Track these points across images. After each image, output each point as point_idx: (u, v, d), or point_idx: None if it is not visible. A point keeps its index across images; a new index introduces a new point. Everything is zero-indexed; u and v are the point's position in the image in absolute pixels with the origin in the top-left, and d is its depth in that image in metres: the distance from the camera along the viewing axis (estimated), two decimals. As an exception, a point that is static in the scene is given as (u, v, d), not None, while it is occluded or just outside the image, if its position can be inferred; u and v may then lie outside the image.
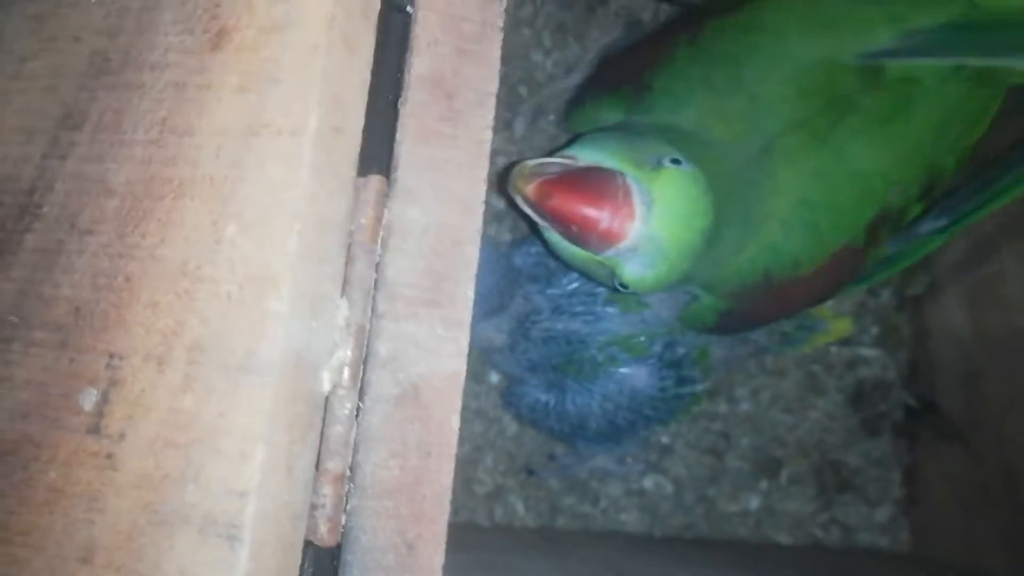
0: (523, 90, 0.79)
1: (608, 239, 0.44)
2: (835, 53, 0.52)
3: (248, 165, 0.25)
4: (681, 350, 0.69)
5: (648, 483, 0.81)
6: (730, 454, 0.83)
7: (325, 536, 0.26)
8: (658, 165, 0.45)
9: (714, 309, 0.58)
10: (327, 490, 0.26)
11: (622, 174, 0.44)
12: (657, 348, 0.67)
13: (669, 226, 0.45)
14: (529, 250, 0.66)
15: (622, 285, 0.48)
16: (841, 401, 0.86)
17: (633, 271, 0.47)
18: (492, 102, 0.30)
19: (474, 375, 0.77)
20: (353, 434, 0.27)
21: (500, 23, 0.31)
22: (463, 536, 0.69)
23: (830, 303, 0.83)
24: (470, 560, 0.59)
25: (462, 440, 0.77)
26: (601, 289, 0.66)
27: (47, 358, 0.26)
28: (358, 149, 0.28)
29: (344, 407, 0.27)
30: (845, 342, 0.85)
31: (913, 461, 0.85)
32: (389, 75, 0.30)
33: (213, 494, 0.23)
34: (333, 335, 0.27)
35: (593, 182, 0.44)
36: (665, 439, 0.82)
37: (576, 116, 0.59)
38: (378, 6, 0.28)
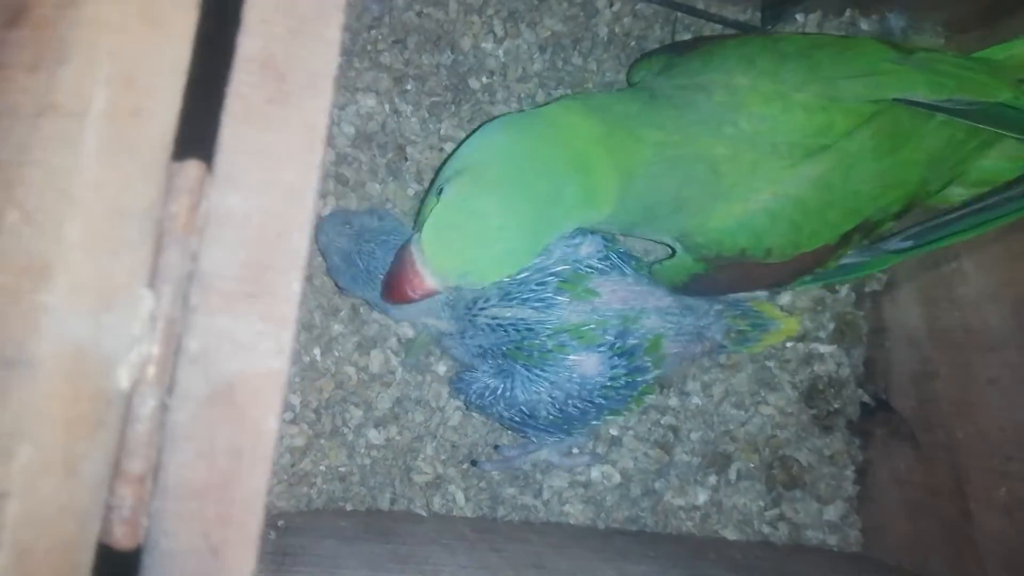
0: (474, 82, 0.77)
1: (426, 293, 0.59)
2: (876, 92, 0.58)
3: (33, 148, 0.24)
4: (633, 340, 0.67)
5: (595, 474, 0.79)
6: (679, 448, 0.82)
7: (121, 538, 0.25)
8: (422, 227, 0.58)
9: (688, 270, 0.65)
10: (125, 491, 0.25)
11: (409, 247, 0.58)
12: (609, 337, 0.66)
13: (445, 259, 0.57)
14: None
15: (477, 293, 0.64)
16: (794, 397, 0.84)
17: (468, 291, 0.64)
18: (329, 85, 0.29)
19: (416, 365, 0.76)
20: (157, 434, 0.26)
21: (341, 3, 0.29)
22: (388, 526, 0.68)
23: (786, 297, 0.82)
24: (385, 551, 0.58)
25: (402, 428, 0.77)
26: (551, 277, 0.65)
27: None
28: (169, 133, 0.26)
29: (146, 404, 0.26)
30: (801, 338, 0.83)
31: (866, 459, 0.84)
32: (220, 57, 0.28)
33: (-27, 494, 0.22)
34: (132, 329, 0.26)
35: (393, 269, 0.61)
36: (614, 431, 0.81)
37: (633, 67, 0.71)
38: (199, -19, 0.27)
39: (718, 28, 0.80)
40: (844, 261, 0.66)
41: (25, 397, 0.22)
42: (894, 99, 0.58)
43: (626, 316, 0.67)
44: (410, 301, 0.60)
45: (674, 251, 0.65)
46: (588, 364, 0.66)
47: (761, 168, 0.58)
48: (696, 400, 0.82)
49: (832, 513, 0.83)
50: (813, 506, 0.83)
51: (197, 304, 0.27)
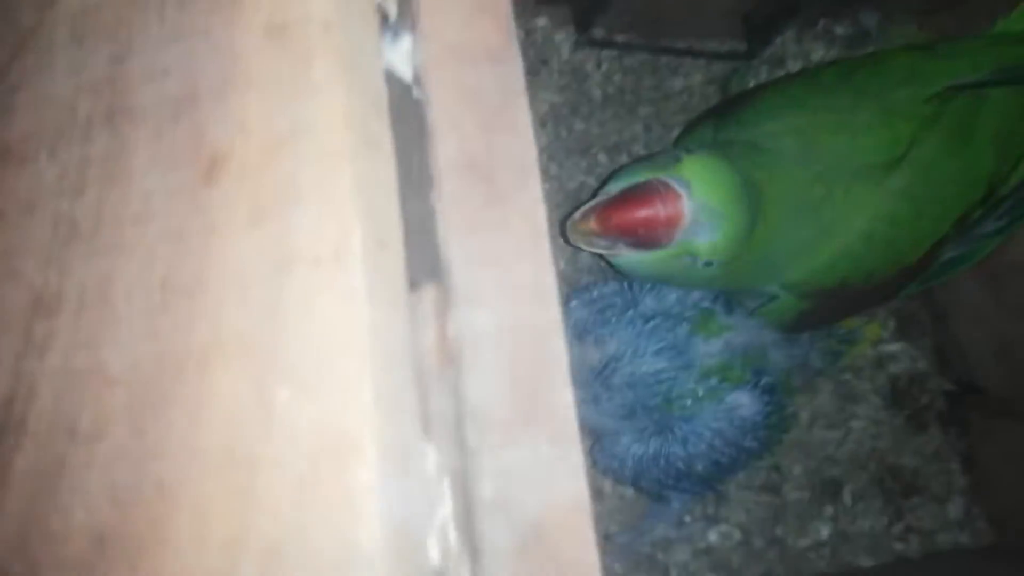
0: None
1: (671, 225, 0.51)
2: (924, 89, 0.59)
3: (287, 310, 0.20)
4: (768, 377, 0.65)
5: (713, 537, 0.75)
6: (786, 486, 0.78)
7: None
8: (676, 159, 0.53)
9: (792, 309, 0.64)
10: None
11: (652, 179, 0.52)
12: (752, 372, 0.63)
13: (710, 189, 0.52)
14: (589, 297, 0.63)
15: (706, 263, 0.55)
16: (880, 403, 0.82)
17: (705, 241, 0.53)
18: (536, 173, 0.26)
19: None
20: (480, 607, 0.22)
21: (522, 87, 0.26)
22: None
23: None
24: None
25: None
26: (683, 322, 0.62)
27: (76, 612, 0.20)
28: (402, 260, 0.23)
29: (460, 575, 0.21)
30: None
31: (970, 447, 0.81)
32: (410, 170, 0.25)
33: None
34: (428, 491, 0.22)
35: (636, 192, 0.52)
36: (745, 469, 0.76)
37: (681, 138, 0.71)
38: (386, 96, 0.24)
39: (701, 64, 0.80)
40: (945, 258, 0.66)
41: (370, 604, 0.18)
42: (945, 89, 0.58)
43: (752, 350, 0.64)
44: (655, 228, 0.51)
45: (773, 296, 0.64)
46: (746, 404, 0.63)
47: (851, 196, 0.58)
48: (787, 433, 0.79)
49: (954, 511, 0.80)
50: (934, 508, 0.80)
51: (477, 445, 0.23)
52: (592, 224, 0.52)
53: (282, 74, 0.21)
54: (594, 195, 0.55)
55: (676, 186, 0.51)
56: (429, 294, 0.23)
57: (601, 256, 0.65)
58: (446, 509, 0.22)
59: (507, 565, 0.22)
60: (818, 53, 0.81)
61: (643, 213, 0.51)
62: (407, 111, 0.26)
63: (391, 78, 0.25)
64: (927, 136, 0.59)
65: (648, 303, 0.63)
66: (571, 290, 0.68)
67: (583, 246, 0.56)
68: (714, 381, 0.61)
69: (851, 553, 0.78)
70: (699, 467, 0.63)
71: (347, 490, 0.19)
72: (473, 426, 0.23)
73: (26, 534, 0.21)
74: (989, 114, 0.61)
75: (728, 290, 0.69)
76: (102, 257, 0.22)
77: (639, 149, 0.78)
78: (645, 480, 0.65)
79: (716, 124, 0.64)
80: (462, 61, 0.26)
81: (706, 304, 0.64)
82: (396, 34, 0.25)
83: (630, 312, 0.62)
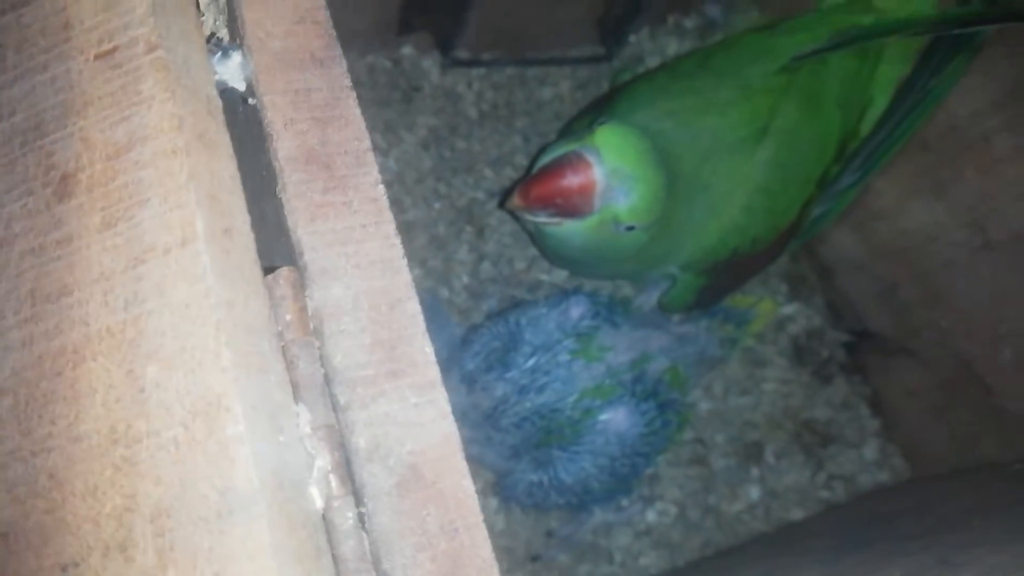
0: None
1: (585, 192, 0.55)
2: (773, 63, 0.65)
3: (145, 298, 0.22)
4: (652, 378, 0.67)
5: (651, 516, 0.78)
6: (712, 456, 0.82)
7: (383, 668, 0.23)
8: (590, 129, 0.56)
9: (692, 287, 0.69)
10: (364, 615, 0.23)
11: (567, 151, 0.55)
12: (627, 382, 0.66)
13: (620, 154, 0.55)
14: (472, 351, 0.65)
15: (628, 227, 0.57)
16: (786, 364, 0.86)
17: (625, 205, 0.56)
18: (371, 157, 0.29)
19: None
20: (367, 543, 0.24)
21: (348, 83, 0.29)
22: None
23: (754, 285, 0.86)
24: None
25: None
26: (562, 351, 0.64)
27: (-15, 610, 0.21)
28: (253, 246, 0.25)
29: (346, 519, 0.24)
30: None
31: (874, 391, 0.86)
32: (254, 168, 0.28)
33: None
34: (304, 446, 0.24)
35: (551, 166, 0.55)
36: (649, 469, 0.79)
37: (561, 135, 0.74)
38: (219, 103, 0.26)
39: (567, 71, 0.85)
40: (814, 215, 0.72)
41: (254, 540, 0.20)
42: (791, 60, 0.64)
43: (635, 362, 0.67)
44: (570, 196, 0.55)
45: (673, 280, 0.68)
46: (619, 419, 0.65)
47: (730, 172, 0.63)
48: (705, 405, 0.83)
49: (870, 453, 0.85)
50: (852, 454, 0.84)
51: (348, 402, 0.25)
52: (518, 200, 0.56)
53: (115, 92, 0.24)
54: (527, 174, 0.60)
55: (587, 155, 0.54)
56: (285, 276, 0.26)
57: (540, 249, 0.72)
58: (324, 461, 0.24)
59: (390, 503, 0.25)
60: (672, 47, 0.87)
61: (557, 183, 0.54)
62: (245, 118, 0.28)
63: (226, 91, 0.28)
64: (783, 106, 0.65)
65: (528, 338, 0.65)
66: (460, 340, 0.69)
67: (528, 218, 0.60)
68: (587, 402, 0.63)
69: (783, 509, 0.81)
70: (596, 485, 0.65)
71: (220, 444, 0.21)
72: (342, 386, 0.25)
73: (-72, 548, 0.22)
74: (831, 78, 0.67)
75: (636, 275, 0.73)
76: (-31, 283, 0.24)
77: (521, 159, 0.82)
78: (547, 506, 0.67)
79: (592, 119, 0.68)
80: (289, 67, 0.28)
81: (585, 323, 0.67)
82: (225, 53, 0.28)
83: (511, 355, 0.64)
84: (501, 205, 0.62)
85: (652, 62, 0.86)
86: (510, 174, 0.82)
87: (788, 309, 0.88)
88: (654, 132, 0.61)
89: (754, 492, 0.81)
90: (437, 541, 0.24)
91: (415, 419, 0.26)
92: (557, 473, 0.65)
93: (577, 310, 0.68)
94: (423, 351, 0.26)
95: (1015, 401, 0.73)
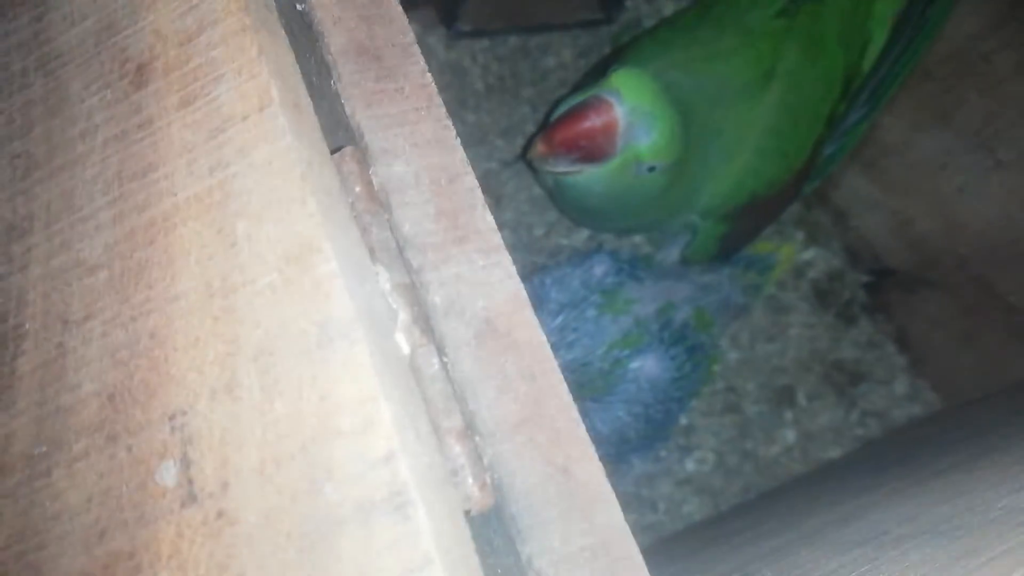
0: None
1: (608, 131, 0.56)
2: (771, 7, 0.67)
3: (229, 162, 0.23)
4: (678, 322, 0.68)
5: (690, 465, 0.79)
6: (745, 403, 0.83)
7: (480, 499, 0.24)
8: (606, 76, 0.57)
9: (714, 235, 0.70)
10: (458, 448, 0.24)
11: (586, 96, 0.56)
12: (655, 330, 0.67)
13: (638, 94, 0.56)
14: None
15: (650, 168, 0.59)
16: (808, 308, 0.87)
17: (645, 142, 0.57)
18: (416, 49, 0.30)
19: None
20: (452, 388, 0.25)
21: (387, -17, 0.31)
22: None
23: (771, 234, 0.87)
24: None
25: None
26: (589, 308, 0.65)
27: (99, 464, 0.23)
28: (319, 127, 0.27)
29: (432, 364, 0.25)
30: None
31: (899, 327, 0.87)
32: (309, 69, 0.29)
33: (356, 477, 0.20)
34: (387, 300, 0.25)
35: (572, 111, 0.56)
36: (683, 420, 0.80)
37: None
38: (273, 3, 0.28)
39: (568, 40, 0.87)
40: (826, 154, 0.73)
41: (357, 362, 0.21)
42: (788, 2, 0.66)
43: (660, 311, 0.68)
44: (594, 137, 0.55)
45: (694, 231, 0.69)
46: (649, 365, 0.66)
47: (740, 116, 0.65)
48: (733, 355, 0.84)
49: (900, 388, 0.86)
50: (882, 390, 0.85)
51: (420, 265, 0.26)
52: (541, 148, 0.57)
53: (180, -15, 0.25)
54: (543, 127, 0.61)
55: (607, 97, 0.55)
56: (350, 154, 0.27)
57: (564, 212, 0.74)
58: (406, 315, 0.25)
59: (469, 352, 0.26)
60: (668, 8, 0.89)
61: (581, 126, 0.55)
62: (296, 22, 0.30)
63: (275, -3, 0.29)
64: (786, 48, 0.66)
65: (553, 296, 0.66)
66: None
67: (549, 169, 0.61)
68: (616, 352, 0.64)
69: (820, 449, 0.82)
70: (632, 433, 0.66)
71: (315, 281, 0.22)
72: (413, 250, 0.27)
73: (42, 418, 0.24)
74: (830, 17, 0.69)
75: (658, 225, 0.74)
76: (60, 174, 0.25)
77: (530, 128, 0.83)
78: None
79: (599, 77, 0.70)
80: (333, -28, 0.30)
81: (610, 280, 0.68)
82: (272, -38, 0.30)
83: (538, 314, 0.65)
84: (523, 156, 0.63)
85: (650, 23, 0.88)
86: (521, 143, 0.83)
87: (806, 254, 0.89)
88: (664, 82, 0.62)
89: (790, 435, 0.82)
90: (517, 384, 0.25)
91: (484, 279, 0.27)
92: (593, 424, 0.66)
93: (601, 267, 0.70)
94: (484, 219, 0.28)
95: (1041, 317, 0.74)
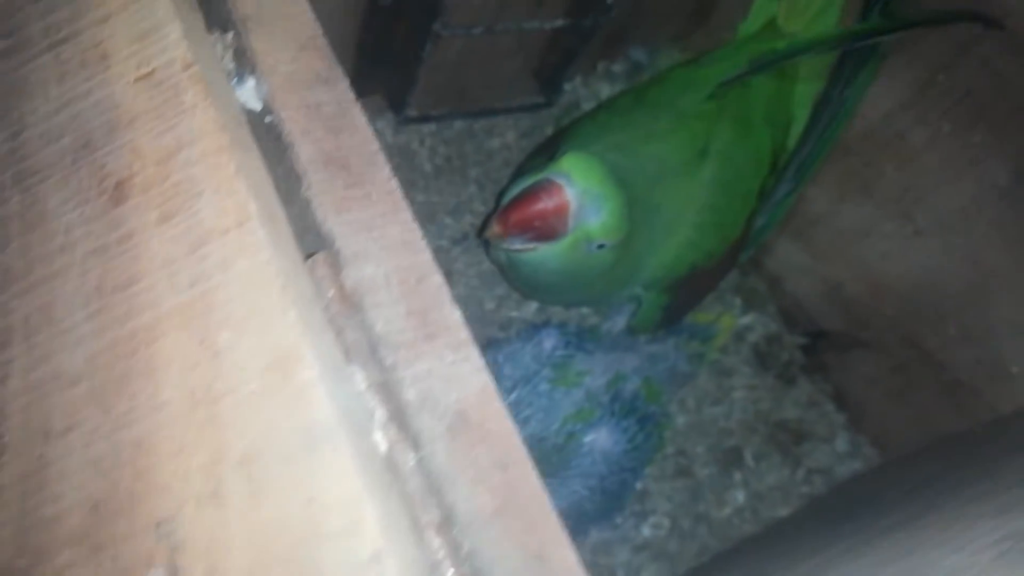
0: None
1: (560, 212, 0.58)
2: (702, 91, 0.71)
3: (210, 275, 0.25)
4: (628, 393, 0.70)
5: (647, 531, 0.80)
6: (695, 466, 0.84)
7: (460, 588, 0.25)
8: (555, 160, 0.59)
9: (658, 305, 0.72)
10: (437, 542, 0.25)
11: (538, 179, 0.58)
12: (606, 402, 0.68)
13: (588, 176, 0.58)
14: None
15: (599, 245, 0.61)
16: (750, 371, 0.91)
17: (596, 223, 0.59)
18: (382, 157, 0.32)
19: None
20: (429, 481, 0.26)
21: (352, 96, 0.33)
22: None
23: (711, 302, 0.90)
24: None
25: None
26: (541, 382, 0.67)
27: (84, 574, 0.23)
28: (293, 237, 0.28)
29: (408, 460, 0.26)
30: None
31: (835, 385, 0.91)
32: (280, 177, 0.31)
33: (345, 578, 0.21)
34: (364, 399, 0.26)
35: (525, 194, 0.58)
36: (638, 485, 0.82)
37: (515, 178, 0.75)
38: (245, 116, 0.30)
39: (511, 122, 0.90)
40: (758, 226, 0.78)
41: (339, 465, 0.22)
42: (717, 87, 0.70)
43: (610, 382, 0.70)
44: (547, 218, 0.57)
45: (639, 302, 0.72)
46: (602, 438, 0.67)
47: (679, 193, 0.68)
48: (682, 419, 0.86)
49: (841, 445, 0.89)
50: (825, 448, 0.88)
51: (393, 362, 0.28)
52: (496, 228, 0.59)
53: (159, 106, 0.26)
54: (496, 207, 0.63)
55: (558, 180, 0.58)
56: (322, 260, 0.29)
57: (514, 286, 0.75)
58: (382, 413, 0.26)
59: (444, 446, 0.27)
60: (605, 91, 0.93)
61: (534, 207, 0.58)
62: (265, 134, 0.31)
63: (245, 111, 0.31)
64: (718, 129, 0.71)
65: (507, 372, 0.68)
66: None
67: (504, 247, 0.63)
68: (568, 427, 0.66)
69: (769, 508, 0.84)
70: (588, 506, 0.67)
71: (297, 388, 0.23)
72: (386, 349, 0.28)
73: (24, 530, 0.24)
74: (757, 99, 0.74)
75: (605, 298, 0.76)
76: (39, 287, 0.26)
77: (478, 206, 0.86)
78: None
79: (545, 159, 0.72)
80: (299, 87, 0.32)
81: (560, 353, 0.70)
82: (241, 78, 0.31)
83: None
84: (479, 235, 0.64)
85: (588, 106, 0.92)
86: (470, 220, 0.86)
87: (745, 320, 0.92)
88: (606, 162, 0.65)
89: (740, 495, 0.84)
90: (491, 474, 0.27)
91: (455, 373, 0.28)
92: (551, 501, 0.67)
93: (550, 341, 0.71)
94: (453, 316, 0.29)
95: (966, 372, 0.78)
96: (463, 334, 0.29)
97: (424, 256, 0.30)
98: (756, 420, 0.88)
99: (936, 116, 0.75)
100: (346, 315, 0.28)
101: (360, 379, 0.27)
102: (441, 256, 0.83)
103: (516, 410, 0.66)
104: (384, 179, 0.31)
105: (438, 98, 0.81)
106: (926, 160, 0.76)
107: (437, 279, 0.30)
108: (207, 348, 0.24)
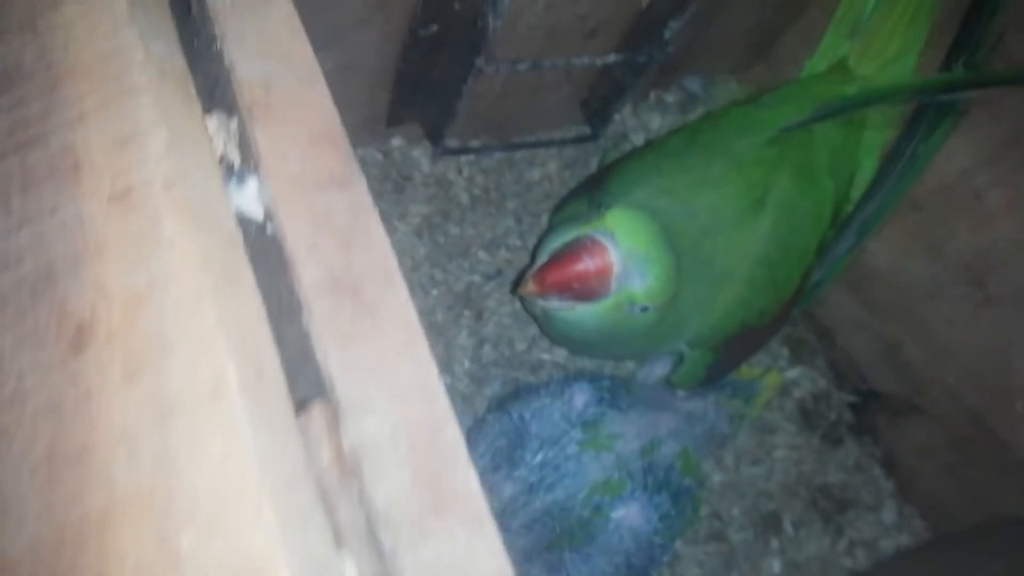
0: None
1: (602, 275, 0.54)
2: (761, 136, 0.66)
3: (174, 457, 0.21)
4: (662, 466, 0.65)
5: (675, 600, 0.75)
6: (730, 530, 0.79)
7: None
8: (599, 215, 0.55)
9: (702, 364, 0.67)
10: None
11: (580, 235, 0.54)
12: (638, 474, 0.63)
13: (634, 237, 0.54)
14: (477, 452, 0.62)
15: (643, 308, 0.57)
16: (794, 429, 0.85)
17: (641, 286, 0.55)
18: (399, 278, 0.28)
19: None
20: None
21: (369, 201, 0.28)
22: None
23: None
24: None
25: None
26: (567, 440, 0.62)
27: None
28: (283, 385, 0.24)
29: None
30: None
31: (885, 451, 0.85)
32: (279, 299, 0.27)
33: None
34: (353, 602, 0.22)
35: (565, 252, 0.54)
36: (666, 557, 0.77)
37: (555, 217, 0.74)
38: (240, 235, 0.25)
39: (554, 152, 0.85)
40: (813, 281, 0.72)
41: None
42: (778, 132, 0.65)
43: (644, 449, 0.65)
44: (587, 280, 0.53)
45: (681, 358, 0.67)
46: (632, 515, 0.62)
47: (731, 245, 0.63)
48: (717, 477, 0.81)
49: (888, 515, 0.83)
50: (870, 517, 0.83)
51: (393, 546, 0.23)
52: (532, 287, 0.55)
53: (132, 235, 0.22)
54: (532, 260, 0.59)
55: (602, 239, 0.54)
56: (318, 412, 0.24)
57: (545, 331, 0.71)
58: (375, 616, 0.22)
59: (446, 658, 0.23)
60: (656, 122, 0.88)
61: (574, 269, 0.53)
62: (265, 247, 0.27)
63: (243, 220, 0.27)
64: (777, 177, 0.65)
65: (534, 431, 0.63)
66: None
67: (541, 304, 0.59)
68: (597, 499, 0.61)
69: (806, 581, 0.79)
70: None
71: (267, 616, 0.19)
72: (386, 529, 0.24)
73: None
74: (820, 147, 0.68)
75: (643, 353, 0.72)
76: (-19, 449, 0.22)
77: (514, 240, 0.81)
78: None
79: (589, 198, 0.68)
80: (308, 190, 0.27)
81: (591, 411, 0.65)
82: (241, 179, 0.27)
83: (518, 451, 0.61)
84: (513, 291, 0.60)
85: (636, 137, 0.87)
86: (505, 255, 0.81)
87: (792, 373, 0.87)
88: (652, 210, 0.60)
89: (776, 564, 0.79)
90: None
91: (466, 559, 0.24)
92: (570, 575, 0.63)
93: (581, 398, 0.67)
94: (468, 482, 0.25)
95: (1032, 455, 0.72)
96: (478, 505, 0.25)
97: (440, 404, 0.26)
98: (798, 483, 0.82)
99: (1018, 177, 0.68)
100: (341, 486, 0.23)
101: (351, 570, 0.22)
102: (473, 292, 0.79)
103: (542, 473, 0.62)
104: (399, 304, 0.27)
105: (478, 129, 0.76)
106: (1003, 224, 0.70)
107: (452, 432, 0.26)
108: (166, 549, 0.20)
